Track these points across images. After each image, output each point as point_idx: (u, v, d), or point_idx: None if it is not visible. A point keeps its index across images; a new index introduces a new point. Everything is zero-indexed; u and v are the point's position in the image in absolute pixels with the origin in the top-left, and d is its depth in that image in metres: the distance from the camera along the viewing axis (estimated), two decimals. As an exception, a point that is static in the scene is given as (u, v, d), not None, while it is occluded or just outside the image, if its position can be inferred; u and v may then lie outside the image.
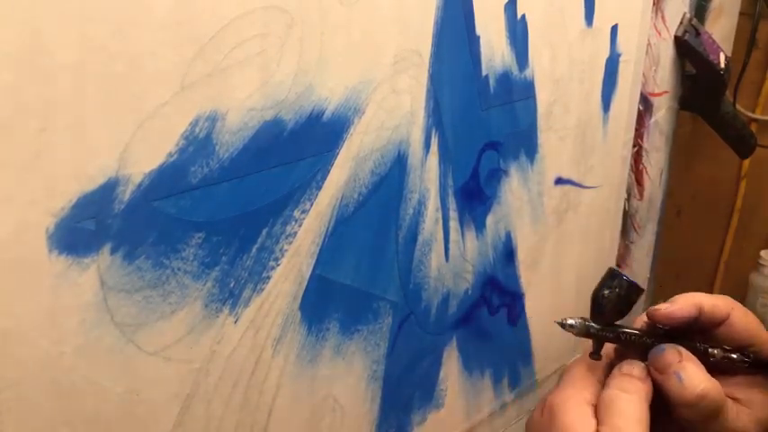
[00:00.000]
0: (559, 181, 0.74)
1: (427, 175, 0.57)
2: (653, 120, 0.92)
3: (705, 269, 1.26)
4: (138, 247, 0.39)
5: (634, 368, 0.42)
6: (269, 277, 0.47)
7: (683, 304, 0.43)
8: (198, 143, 0.40)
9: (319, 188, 0.48)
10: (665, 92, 0.93)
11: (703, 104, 0.99)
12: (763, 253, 1.21)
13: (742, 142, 1.05)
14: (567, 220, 0.77)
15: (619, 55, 0.77)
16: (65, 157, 0.35)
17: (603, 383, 0.42)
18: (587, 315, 0.44)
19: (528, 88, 0.66)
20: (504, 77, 0.62)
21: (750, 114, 1.15)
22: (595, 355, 0.44)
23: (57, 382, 0.37)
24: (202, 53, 0.39)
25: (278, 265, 0.47)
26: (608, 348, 0.45)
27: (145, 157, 0.38)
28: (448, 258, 0.62)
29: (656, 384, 0.41)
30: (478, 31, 0.58)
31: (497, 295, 0.70)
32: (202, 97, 0.40)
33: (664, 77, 0.91)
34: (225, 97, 0.41)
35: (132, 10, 0.36)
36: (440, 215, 0.60)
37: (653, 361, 0.42)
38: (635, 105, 0.84)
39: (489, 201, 0.65)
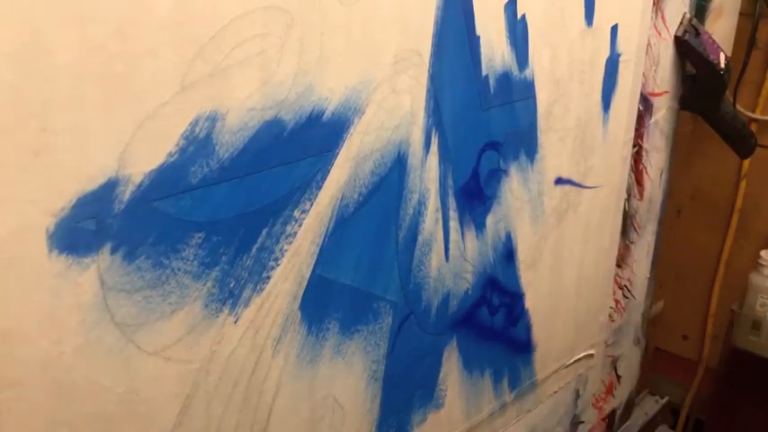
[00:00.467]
0: (559, 181, 0.74)
1: (427, 176, 0.57)
2: (653, 120, 0.92)
3: (705, 269, 1.27)
4: (138, 247, 0.39)
5: None
6: (269, 277, 0.47)
7: None
8: (198, 143, 0.40)
9: (319, 188, 0.48)
10: (665, 92, 0.93)
11: (703, 104, 0.99)
12: (763, 253, 1.21)
13: (742, 142, 1.05)
14: (567, 220, 0.77)
15: (619, 55, 0.77)
16: (65, 157, 0.35)
17: None
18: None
19: (528, 88, 0.66)
20: (504, 77, 0.62)
21: (750, 114, 1.15)
22: None
23: (57, 382, 0.37)
24: (202, 53, 0.39)
25: (278, 265, 0.47)
26: None
27: (145, 157, 0.38)
28: (448, 258, 0.62)
29: None
30: (478, 31, 0.58)
31: (497, 295, 0.70)
32: (202, 97, 0.40)
33: (664, 77, 0.91)
34: (225, 97, 0.41)
35: (132, 10, 0.36)
36: (440, 215, 0.60)
37: None
38: (635, 105, 0.84)
39: (489, 201, 0.65)
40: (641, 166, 0.93)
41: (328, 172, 0.49)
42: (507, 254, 0.70)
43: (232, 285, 0.45)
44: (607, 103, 0.78)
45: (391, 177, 0.54)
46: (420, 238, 0.58)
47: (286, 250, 0.47)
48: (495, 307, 0.70)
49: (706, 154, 1.19)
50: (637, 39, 0.79)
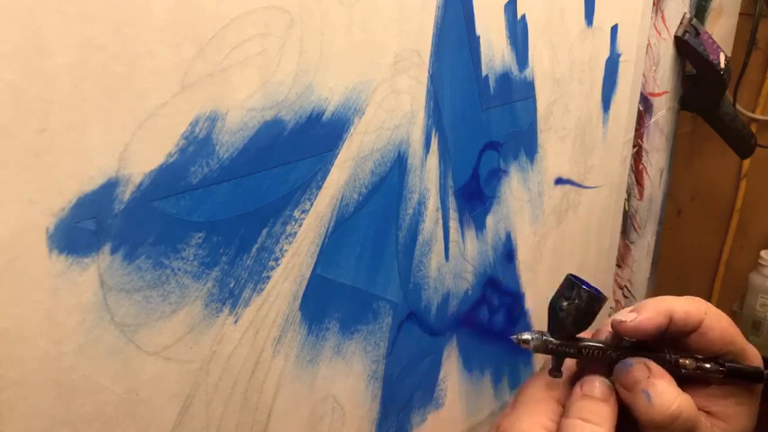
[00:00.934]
0: (559, 181, 0.74)
1: (427, 176, 0.57)
2: (653, 120, 0.92)
3: (705, 269, 1.27)
4: (138, 246, 0.39)
5: (596, 387, 0.38)
6: (269, 277, 0.47)
7: (652, 313, 0.38)
8: (198, 143, 0.40)
9: (319, 188, 0.48)
10: (665, 92, 0.93)
11: (703, 104, 0.99)
12: (763, 253, 1.21)
13: (742, 142, 1.05)
14: (567, 220, 0.77)
15: (619, 55, 0.77)
16: (65, 157, 0.35)
17: (564, 403, 0.38)
18: (546, 328, 0.40)
19: (528, 88, 0.66)
20: (504, 77, 0.62)
21: (750, 114, 1.15)
22: (555, 372, 0.39)
23: (57, 382, 0.37)
24: (202, 53, 0.39)
25: (278, 265, 0.47)
26: (569, 360, 0.40)
27: (145, 157, 0.38)
28: (448, 258, 0.62)
29: (623, 402, 0.37)
30: (478, 31, 0.58)
31: (497, 295, 0.70)
32: (202, 97, 0.40)
33: (664, 77, 0.91)
34: (225, 97, 0.41)
35: (132, 10, 0.35)
36: (440, 215, 0.60)
37: (618, 378, 0.38)
38: (635, 105, 0.84)
39: (489, 201, 0.65)
40: (641, 166, 0.93)
41: (328, 172, 0.49)
42: (507, 254, 0.70)
43: (232, 285, 0.45)
44: (607, 103, 0.78)
45: (391, 177, 0.54)
46: (420, 238, 0.58)
47: (286, 250, 0.47)
48: (495, 307, 0.70)
49: (706, 154, 1.20)
50: (637, 39, 0.79)
